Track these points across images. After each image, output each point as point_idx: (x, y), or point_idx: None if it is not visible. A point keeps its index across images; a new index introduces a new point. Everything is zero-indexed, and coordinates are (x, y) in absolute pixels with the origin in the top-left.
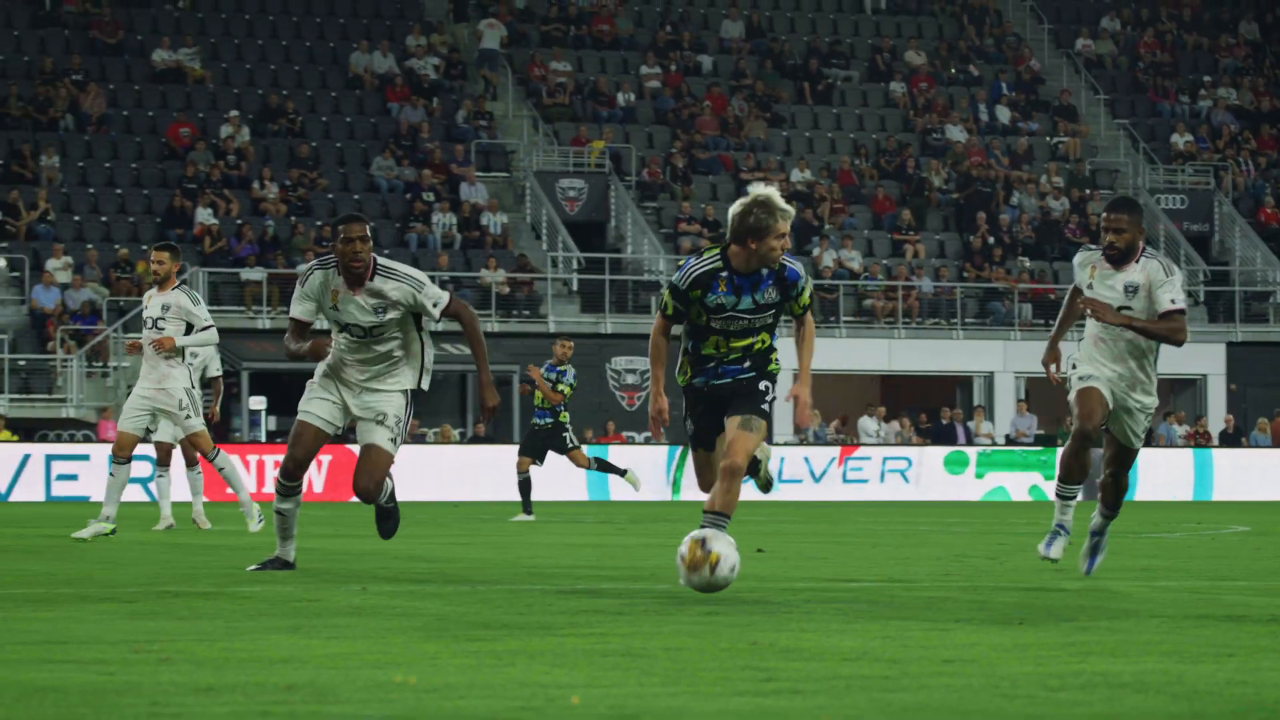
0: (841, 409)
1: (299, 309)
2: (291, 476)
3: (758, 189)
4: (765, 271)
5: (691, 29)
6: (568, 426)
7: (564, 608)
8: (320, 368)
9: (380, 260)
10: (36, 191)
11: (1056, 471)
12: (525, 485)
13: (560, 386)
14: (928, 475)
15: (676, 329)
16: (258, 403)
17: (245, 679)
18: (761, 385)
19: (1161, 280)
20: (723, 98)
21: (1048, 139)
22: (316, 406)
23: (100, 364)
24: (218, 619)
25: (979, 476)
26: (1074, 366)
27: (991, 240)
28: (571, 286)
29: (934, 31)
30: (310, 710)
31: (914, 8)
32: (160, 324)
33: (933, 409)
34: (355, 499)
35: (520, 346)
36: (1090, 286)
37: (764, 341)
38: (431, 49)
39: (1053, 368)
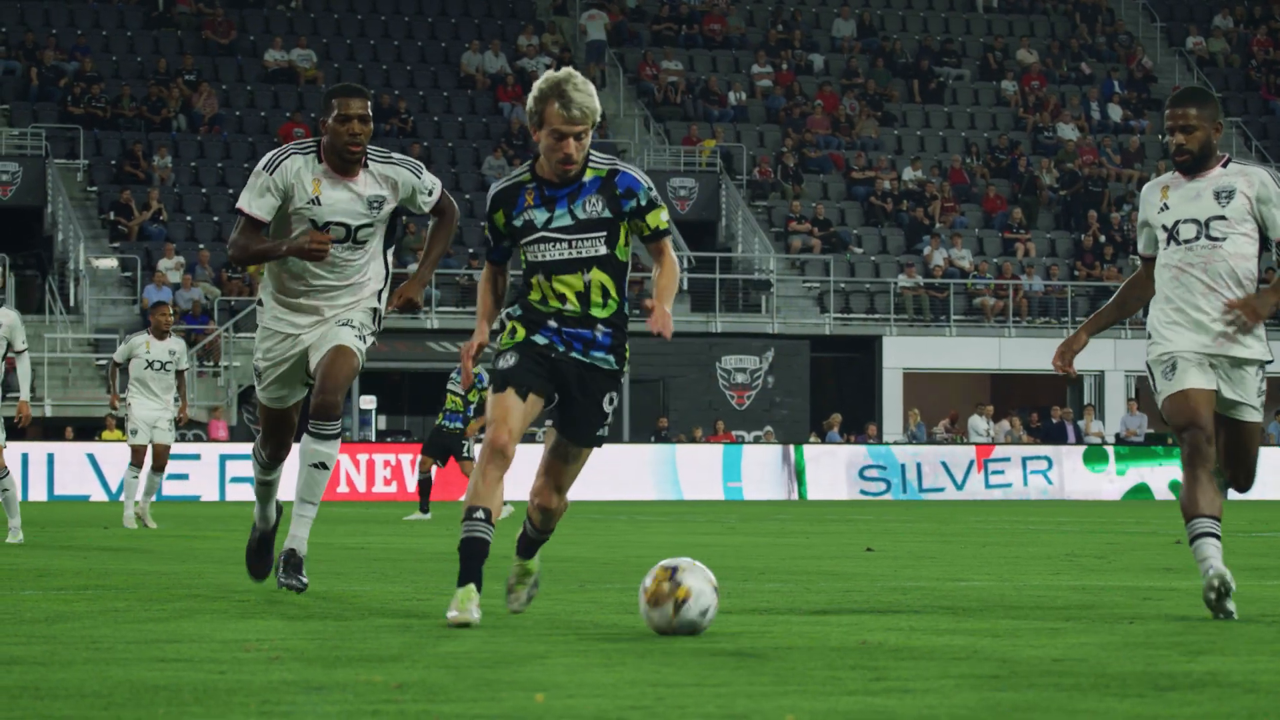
0: (951, 407)
1: (258, 204)
2: (276, 462)
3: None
4: (588, 179)
5: (803, 28)
6: (466, 442)
7: None
8: (267, 309)
9: (370, 145)
10: (149, 191)
11: (1184, 512)
12: (426, 485)
13: (482, 393)
14: (1070, 474)
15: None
16: (368, 402)
17: (355, 677)
18: (609, 400)
19: (1276, 194)
20: (834, 96)
21: (1159, 137)
22: (281, 383)
23: (211, 364)
24: (327, 618)
25: (1120, 474)
26: (1151, 340)
27: (1103, 239)
28: (681, 285)
29: (1045, 30)
30: (420, 709)
31: (1026, 6)
32: None
33: (1042, 408)
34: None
35: (631, 345)
36: (1165, 208)
37: (606, 291)
38: (543, 48)
39: (1069, 361)
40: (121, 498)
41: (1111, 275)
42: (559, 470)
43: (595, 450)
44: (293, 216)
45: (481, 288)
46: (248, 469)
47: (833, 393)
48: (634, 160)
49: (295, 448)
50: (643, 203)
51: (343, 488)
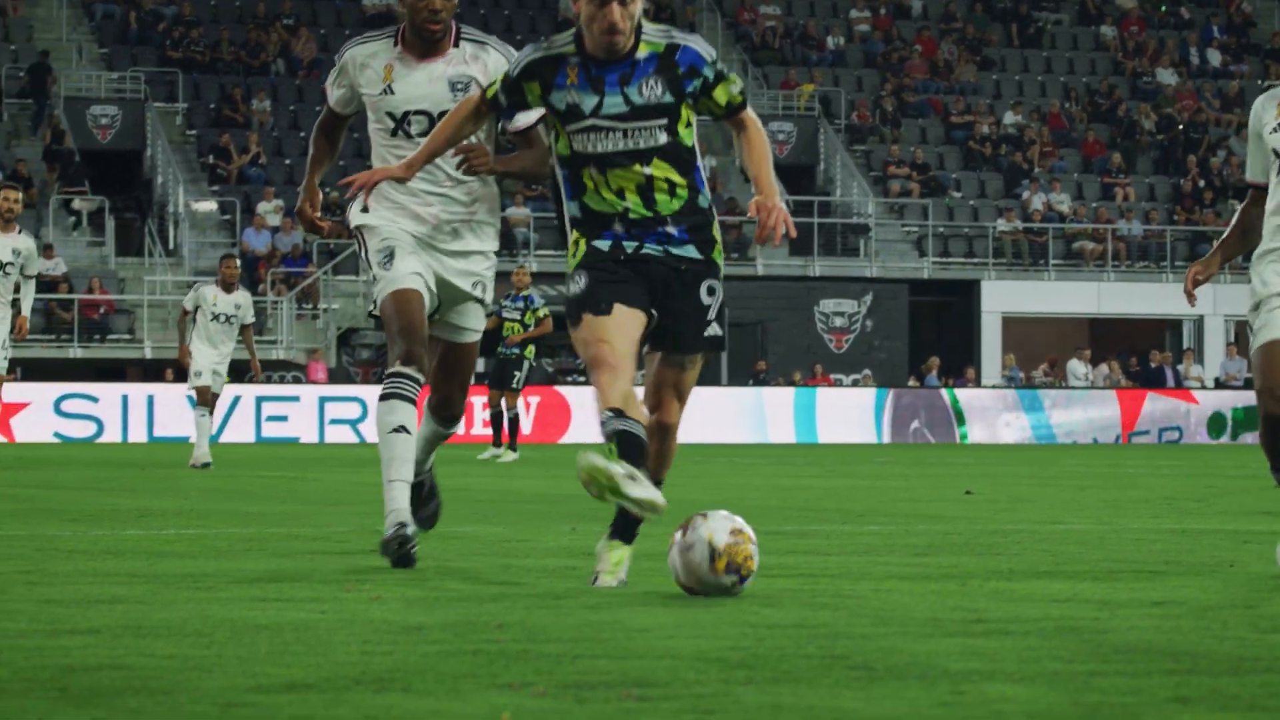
0: (1049, 352)
1: (334, 93)
2: (411, 366)
3: None
4: (643, 56)
5: None
6: (523, 365)
7: (773, 548)
8: (383, 198)
9: (462, 25)
10: (248, 135)
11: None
12: (498, 419)
13: (538, 314)
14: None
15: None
16: None
17: (455, 618)
18: (708, 289)
19: None
20: (932, 41)
21: (1259, 82)
22: (411, 263)
23: (310, 306)
24: (428, 559)
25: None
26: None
27: (1202, 183)
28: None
29: None
30: (520, 649)
31: None
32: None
33: (1141, 352)
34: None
35: (729, 289)
36: (1278, 129)
37: (672, 184)
38: None
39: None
40: (192, 439)
41: (1210, 220)
42: (673, 378)
43: (704, 394)
44: (370, 112)
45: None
46: (346, 410)
47: (931, 337)
48: None
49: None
50: (709, 77)
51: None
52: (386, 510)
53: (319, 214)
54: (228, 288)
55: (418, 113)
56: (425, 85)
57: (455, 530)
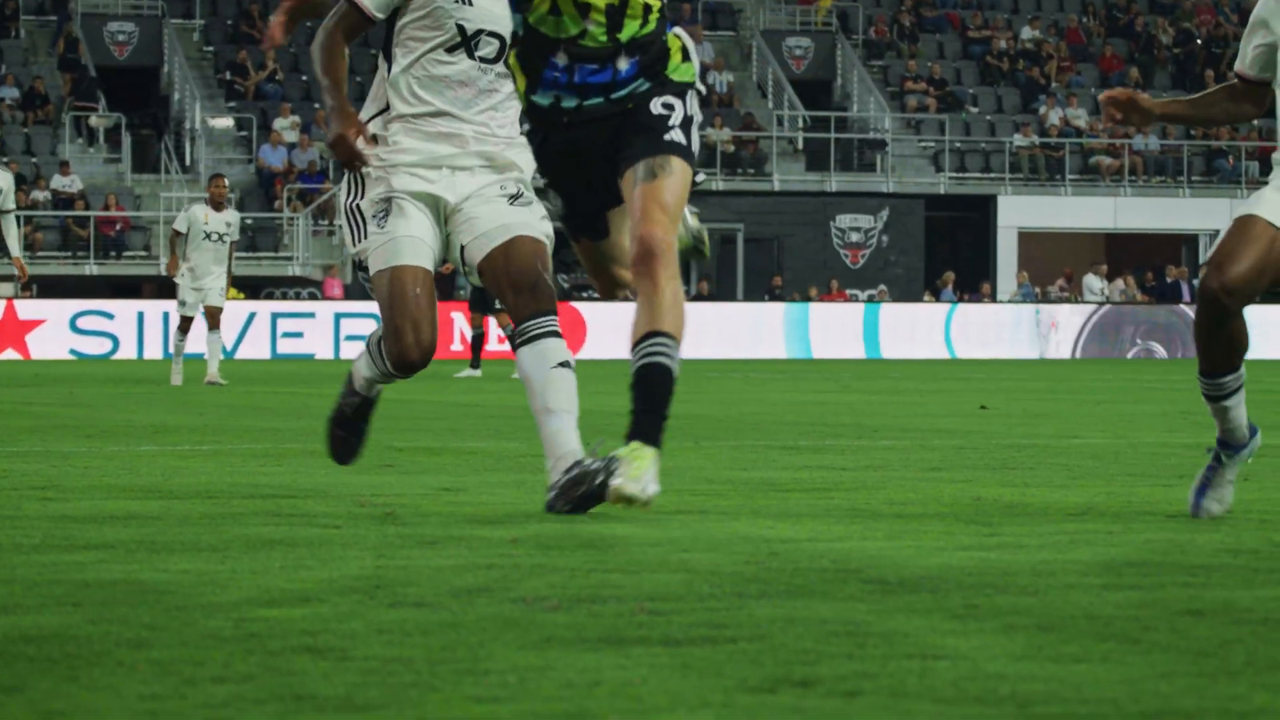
0: (1066, 266)
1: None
2: (413, 368)
3: None
4: None
5: None
6: None
7: (788, 463)
8: (395, 136)
9: None
10: (265, 52)
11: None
12: (478, 341)
13: None
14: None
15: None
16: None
17: (469, 532)
18: (663, 104)
19: None
20: None
21: None
22: (414, 224)
23: (326, 223)
24: (442, 473)
25: None
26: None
27: None
28: (796, 145)
29: None
30: (535, 563)
31: None
32: None
33: (1157, 267)
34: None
35: (745, 205)
36: None
37: (647, 3)
38: None
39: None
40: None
41: (1225, 135)
42: (648, 188)
43: (714, 310)
44: (426, 19)
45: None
46: (362, 327)
47: (947, 252)
48: (749, 20)
49: None
50: None
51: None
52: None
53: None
54: (217, 206)
55: (491, 34)
56: (500, 3)
57: (469, 446)
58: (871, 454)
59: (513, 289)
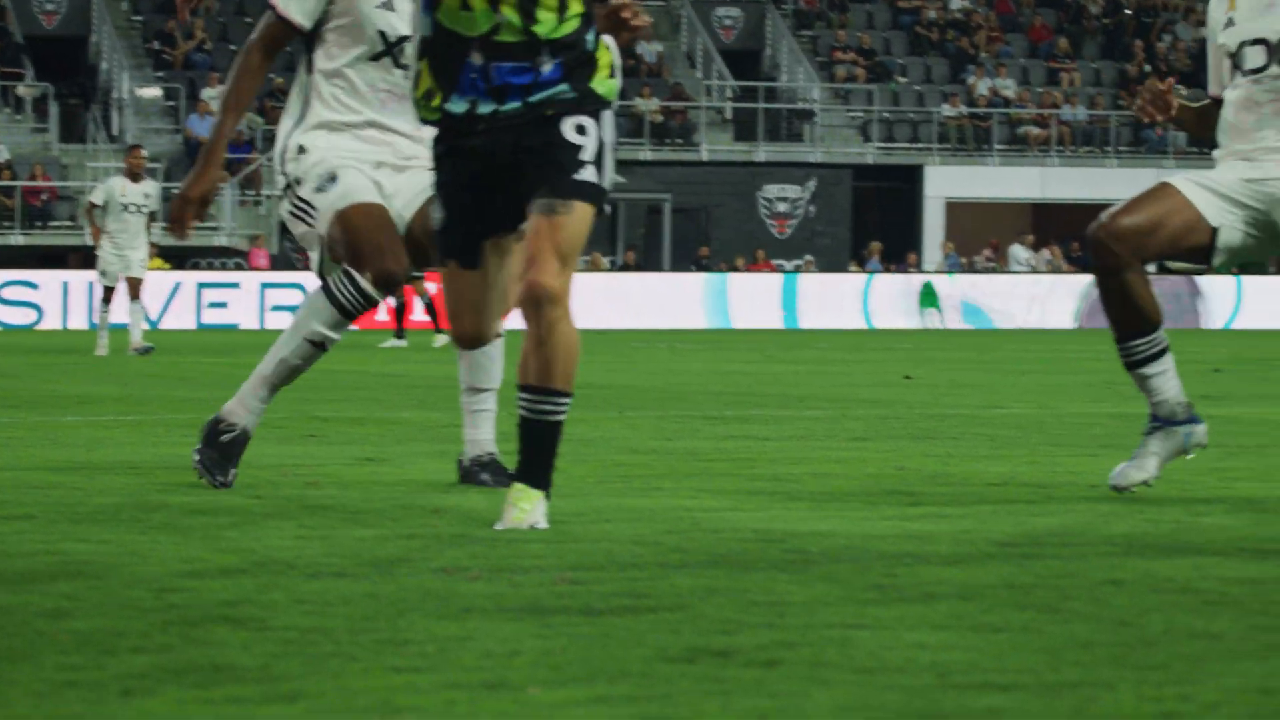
0: (993, 236)
1: (295, 7)
2: (393, 279)
3: None
4: None
5: None
6: None
7: (711, 434)
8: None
9: None
10: (193, 21)
11: None
12: (400, 310)
13: None
14: None
15: None
16: None
17: (392, 503)
18: (577, 126)
19: None
20: None
21: None
22: (362, 179)
23: (253, 193)
24: (365, 444)
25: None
26: None
27: (1148, 68)
28: (725, 115)
29: None
30: (456, 533)
31: None
32: None
33: (1084, 237)
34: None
35: (673, 175)
36: (1230, 24)
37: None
38: None
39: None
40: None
41: None
42: (548, 227)
43: (640, 280)
44: (348, 26)
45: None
46: (287, 297)
47: (874, 222)
48: None
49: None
50: None
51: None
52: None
53: (204, 205)
54: (135, 177)
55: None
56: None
57: (393, 416)
58: (795, 424)
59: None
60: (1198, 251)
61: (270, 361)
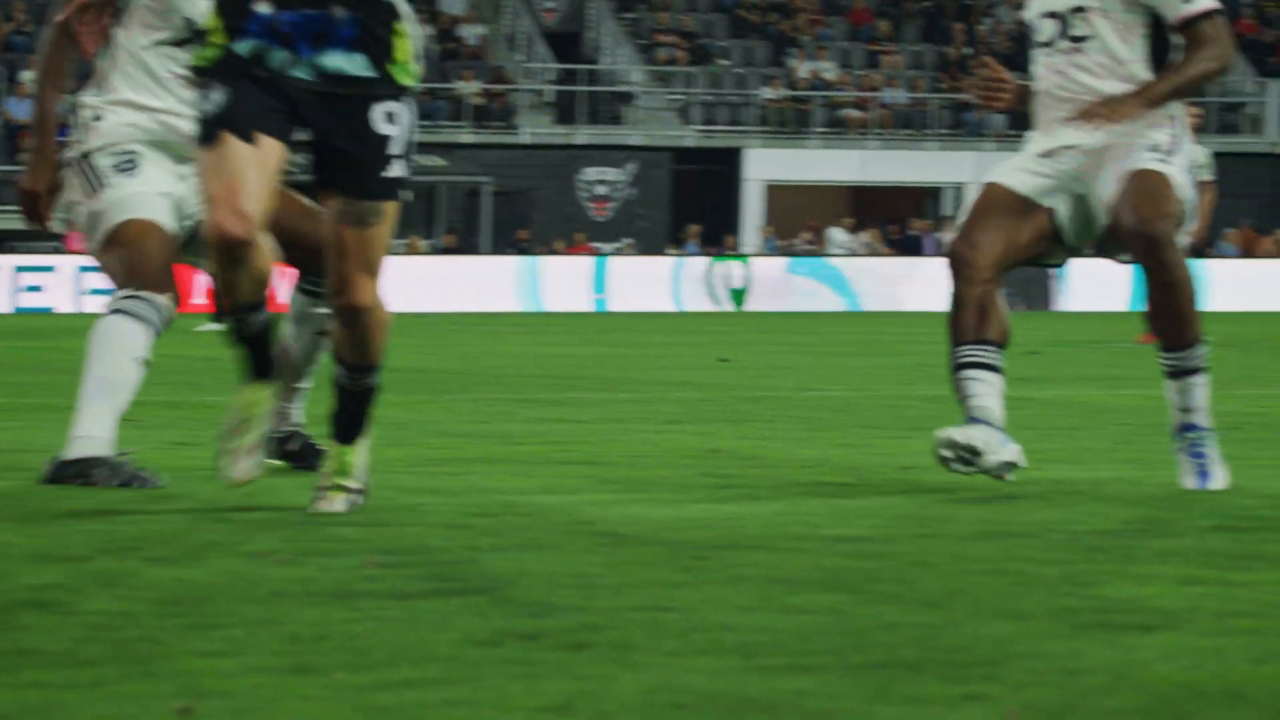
0: (813, 219)
1: None
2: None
3: None
4: None
5: None
6: None
7: (526, 417)
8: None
9: None
10: (13, 3)
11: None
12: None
13: None
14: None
15: None
16: None
17: (202, 487)
18: (387, 114)
19: None
20: None
21: None
22: (159, 181)
23: None
24: (178, 428)
25: None
26: None
27: (969, 50)
28: (546, 98)
29: None
30: (266, 517)
31: None
32: None
33: (902, 220)
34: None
35: (493, 158)
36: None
37: None
38: None
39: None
40: None
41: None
42: (354, 240)
43: (460, 263)
44: (155, 6)
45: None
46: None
47: (694, 205)
48: None
49: None
50: None
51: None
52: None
53: (52, 194)
54: None
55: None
56: None
57: (207, 400)
58: (610, 407)
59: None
60: (1049, 240)
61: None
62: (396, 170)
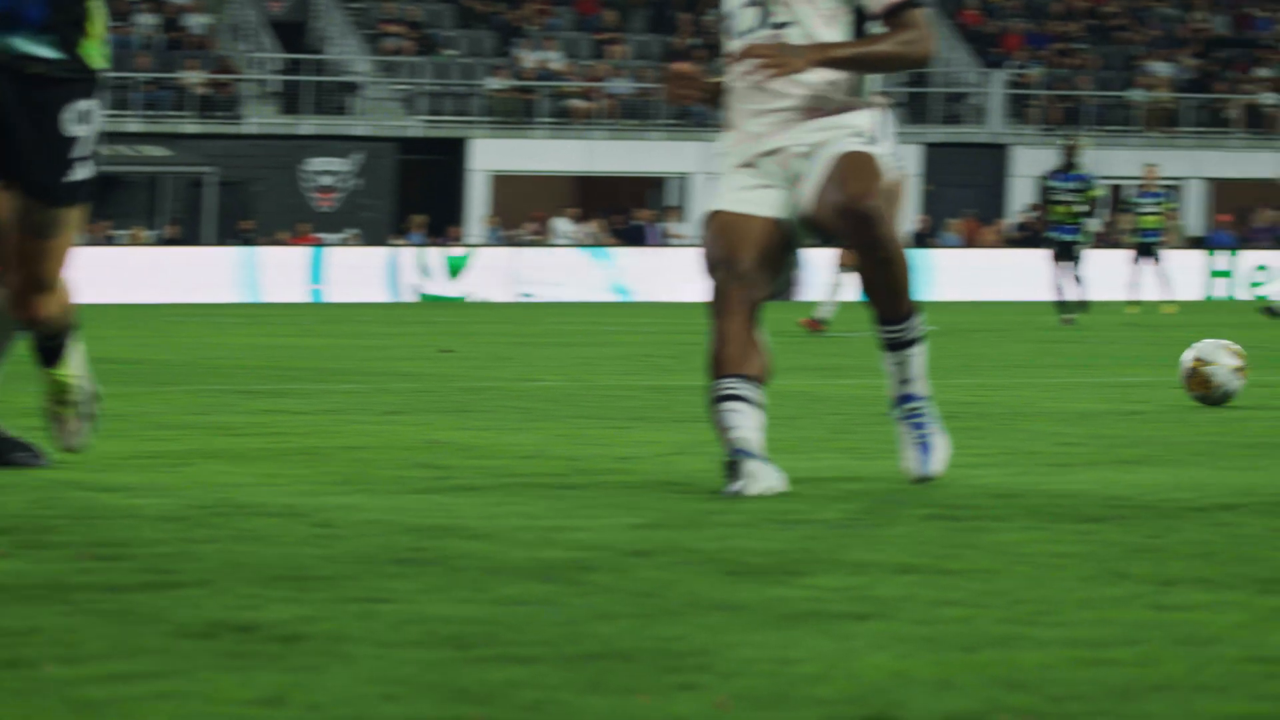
0: (539, 208)
1: None
2: None
3: None
4: None
5: None
6: None
7: (245, 408)
8: None
9: None
10: None
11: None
12: None
13: None
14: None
15: None
16: None
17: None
18: (79, 114)
19: None
20: None
21: None
22: None
23: None
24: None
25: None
26: None
27: (698, 40)
28: (271, 88)
29: None
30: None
31: None
32: None
33: (626, 210)
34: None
35: (217, 148)
36: None
37: None
38: None
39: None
40: None
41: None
42: (34, 251)
43: (183, 254)
44: None
45: None
46: None
47: (419, 195)
48: None
49: None
50: None
51: None
52: None
53: None
54: None
55: None
56: None
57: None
58: (329, 398)
59: None
60: (784, 250)
61: None
62: (81, 173)
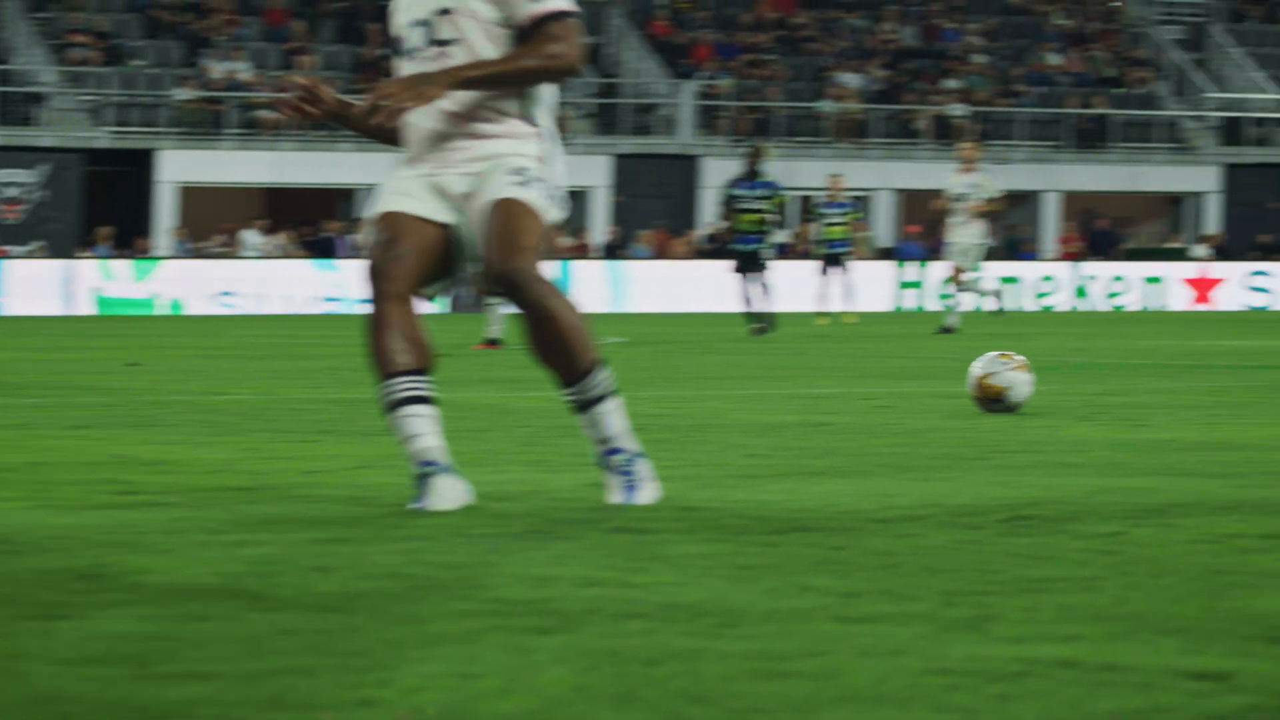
0: (228, 220)
1: None
2: None
3: None
4: None
5: None
6: None
7: None
8: None
9: None
10: None
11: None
12: None
13: None
14: None
15: None
16: None
17: None
18: None
19: None
20: None
21: None
22: None
23: None
24: None
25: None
26: None
27: (390, 52)
28: None
29: None
30: None
31: None
32: None
33: (316, 222)
34: None
35: None
36: (398, 9)
37: None
38: None
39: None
40: None
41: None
42: None
43: None
44: None
45: None
46: None
47: (106, 207)
48: None
49: None
50: None
51: None
52: None
53: None
54: None
55: None
56: None
57: None
58: (14, 413)
59: None
60: (449, 256)
61: None
62: None
